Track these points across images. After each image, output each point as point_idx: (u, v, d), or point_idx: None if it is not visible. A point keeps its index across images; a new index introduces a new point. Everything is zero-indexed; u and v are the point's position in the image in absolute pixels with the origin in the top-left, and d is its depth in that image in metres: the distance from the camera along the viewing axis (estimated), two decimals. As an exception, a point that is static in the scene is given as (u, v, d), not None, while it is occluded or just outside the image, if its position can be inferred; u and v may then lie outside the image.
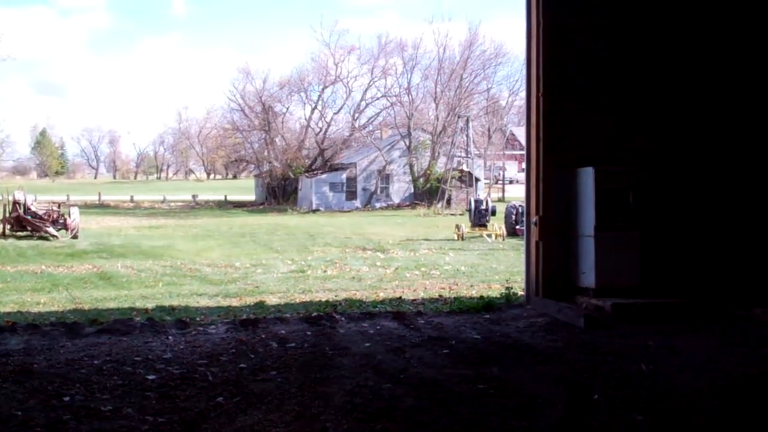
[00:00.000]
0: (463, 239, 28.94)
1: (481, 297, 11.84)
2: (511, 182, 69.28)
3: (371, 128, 64.50)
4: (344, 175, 57.94)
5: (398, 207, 57.48)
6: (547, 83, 11.14)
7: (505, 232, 29.59)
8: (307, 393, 6.87)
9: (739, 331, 9.53)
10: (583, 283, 11.12)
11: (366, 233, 32.64)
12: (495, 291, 13.64)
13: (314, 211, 55.19)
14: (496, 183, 65.78)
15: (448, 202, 54.73)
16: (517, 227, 31.25)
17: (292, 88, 65.17)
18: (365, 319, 10.43)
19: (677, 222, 11.41)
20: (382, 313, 10.84)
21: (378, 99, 64.58)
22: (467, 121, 55.64)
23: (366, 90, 65.01)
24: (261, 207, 61.63)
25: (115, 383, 7.13)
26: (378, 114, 64.33)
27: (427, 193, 57.67)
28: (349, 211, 55.25)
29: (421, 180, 58.55)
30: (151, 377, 7.35)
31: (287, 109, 67.60)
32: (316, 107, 64.12)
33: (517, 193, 54.19)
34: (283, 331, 9.57)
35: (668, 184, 11.41)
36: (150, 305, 12.59)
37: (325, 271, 17.47)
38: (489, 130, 66.92)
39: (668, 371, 7.61)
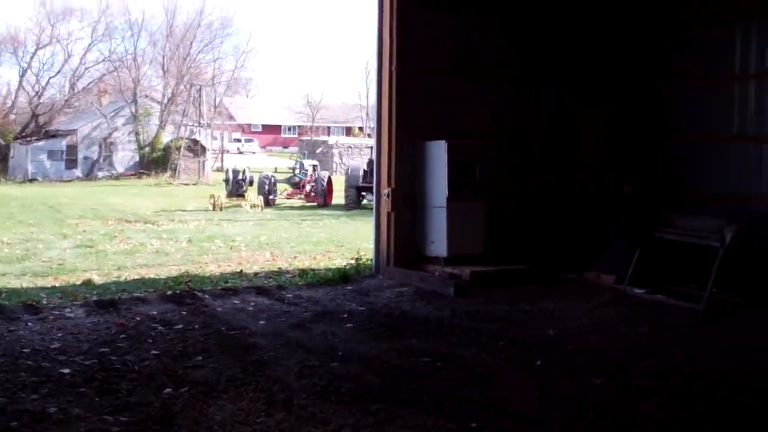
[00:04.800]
0: (221, 210, 28.17)
1: (338, 269, 11.61)
2: (240, 153, 68.62)
3: (93, 95, 60.28)
4: (64, 142, 53.84)
5: (123, 176, 54.52)
6: (400, 56, 11.12)
7: (262, 203, 29.23)
8: (256, 378, 6.35)
9: (586, 293, 10.20)
10: (432, 252, 11.31)
11: (109, 204, 30.63)
12: (323, 262, 13.47)
13: (31, 180, 50.75)
14: (240, 153, 64.85)
15: (175, 170, 52.84)
16: (270, 197, 31.07)
17: (2, 47, 59.19)
18: (229, 295, 9.85)
19: (514, 194, 11.96)
20: (245, 289, 10.31)
21: (100, 63, 60.53)
22: (200, 90, 54.01)
23: (86, 52, 60.75)
24: (-38, 177, 55.50)
25: (30, 381, 6.12)
26: (100, 78, 60.21)
27: (154, 162, 55.31)
28: (70, 181, 51.42)
29: (147, 149, 55.99)
30: (65, 371, 6.39)
31: (-7, 70, 61.39)
32: (29, 69, 58.82)
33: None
34: (154, 312, 8.77)
35: (508, 158, 11.91)
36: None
37: (113, 246, 16.16)
38: (215, 101, 65.55)
39: (573, 335, 7.99)
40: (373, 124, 70.01)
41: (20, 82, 59.29)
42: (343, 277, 10.96)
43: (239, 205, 29.07)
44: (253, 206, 28.94)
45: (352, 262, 12.18)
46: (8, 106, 59.98)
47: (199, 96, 53.29)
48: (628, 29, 12.44)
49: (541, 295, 9.93)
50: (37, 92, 58.80)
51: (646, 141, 12.14)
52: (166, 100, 57.38)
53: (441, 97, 11.42)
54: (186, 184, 46.83)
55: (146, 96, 58.55)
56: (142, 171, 54.70)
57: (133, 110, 55.98)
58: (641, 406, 5.81)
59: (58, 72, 60.54)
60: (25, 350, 6.98)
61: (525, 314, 8.92)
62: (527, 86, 12.19)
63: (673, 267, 10.25)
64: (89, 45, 60.99)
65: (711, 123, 11.31)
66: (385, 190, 11.29)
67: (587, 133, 12.38)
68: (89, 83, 60.99)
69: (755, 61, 10.70)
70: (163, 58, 59.73)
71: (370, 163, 30.24)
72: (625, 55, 12.43)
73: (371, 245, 12.91)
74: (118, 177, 54.12)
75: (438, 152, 11.15)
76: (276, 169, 33.77)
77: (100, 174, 54.77)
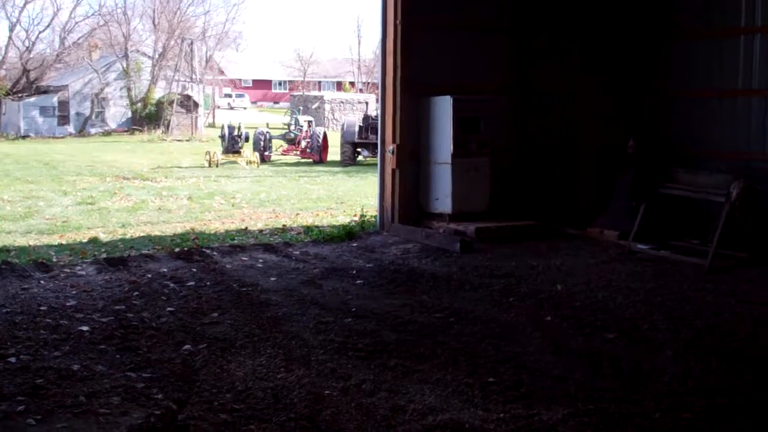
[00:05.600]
0: (217, 166, 28.08)
1: (343, 226, 11.65)
2: (231, 108, 68.21)
3: (84, 50, 59.56)
4: (56, 99, 53.35)
5: (115, 132, 54.12)
6: (405, 10, 11.03)
7: (258, 159, 29.12)
8: (273, 334, 6.42)
9: (591, 249, 10.28)
10: (437, 209, 11.34)
11: (105, 161, 30.48)
12: (326, 219, 13.51)
13: (24, 137, 50.34)
14: (231, 109, 64.30)
15: (168, 126, 52.46)
16: (266, 153, 30.94)
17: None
18: (237, 252, 9.89)
19: (517, 151, 11.96)
20: (252, 246, 10.35)
21: (89, 17, 59.77)
22: (191, 44, 53.42)
23: (75, 6, 60.08)
24: (-46, 133, 55.02)
25: (51, 338, 6.16)
26: (90, 33, 59.45)
27: (146, 118, 54.91)
28: (62, 137, 51.01)
29: (140, 105, 55.55)
30: (84, 328, 6.43)
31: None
32: (18, 23, 58.04)
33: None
34: (164, 269, 8.81)
35: (512, 114, 11.88)
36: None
37: (114, 203, 16.16)
38: (206, 55, 64.89)
39: (581, 290, 8.06)
40: (365, 78, 69.48)
41: (10, 37, 58.49)
42: (348, 233, 11.00)
43: (235, 162, 29.00)
44: (249, 163, 28.83)
45: (356, 218, 12.21)
46: (1, 60, 59.28)
47: (191, 50, 52.72)
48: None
49: (547, 251, 10.00)
50: (27, 47, 58.04)
51: (651, 97, 12.10)
52: (157, 55, 56.82)
53: (445, 52, 11.36)
54: (179, 141, 46.51)
55: (137, 51, 58.00)
56: (134, 127, 54.35)
57: (124, 65, 55.43)
58: (655, 360, 5.90)
59: (48, 26, 59.81)
60: (42, 308, 7.02)
61: (532, 270, 8.97)
62: (530, 41, 12.11)
63: (676, 223, 10.33)
64: (78, -1, 60.19)
65: (715, 78, 11.27)
66: (390, 147, 11.27)
67: (590, 89, 12.31)
68: (79, 38, 60.21)
69: (761, 14, 10.61)
70: (154, 11, 59.03)
71: (365, 118, 30.18)
72: (628, 9, 12.34)
73: (372, 202, 12.99)
74: (110, 133, 53.75)
75: (443, 108, 11.11)
76: (267, 124, 33.52)
77: (93, 130, 54.39)
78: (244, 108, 73.75)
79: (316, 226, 12.18)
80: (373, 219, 11.89)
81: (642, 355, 6.03)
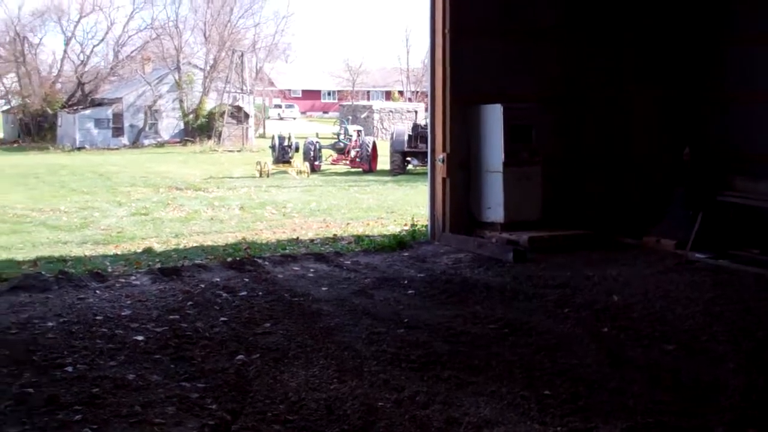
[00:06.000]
0: (268, 176, 28.29)
1: (393, 235, 11.61)
2: (281, 119, 68.88)
3: (137, 62, 60.58)
4: (110, 111, 54.34)
5: (168, 144, 54.94)
6: (454, 18, 10.97)
7: (308, 169, 29.25)
8: (325, 345, 6.40)
9: (647, 258, 10.08)
10: (489, 218, 11.23)
11: (158, 172, 30.92)
12: (376, 228, 13.49)
13: (79, 149, 51.34)
14: (281, 119, 64.95)
15: (219, 137, 53.08)
16: (316, 163, 31.06)
17: (47, 17, 59.71)
18: (289, 262, 9.91)
19: (569, 159, 11.80)
20: (303, 256, 10.36)
21: (142, 30, 60.83)
22: (242, 56, 54.05)
23: (128, 20, 61.06)
24: (15, 145, 56.29)
25: (107, 348, 6.23)
26: (143, 46, 60.53)
27: (198, 129, 55.65)
28: (117, 149, 51.90)
29: (192, 116, 56.31)
30: (139, 338, 6.49)
31: (40, 40, 62.03)
32: (73, 37, 59.33)
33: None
34: (217, 279, 8.86)
35: (563, 122, 11.74)
36: (18, 257, 11.10)
37: (168, 214, 16.36)
38: (256, 67, 65.60)
39: (638, 301, 7.90)
40: (413, 87, 69.39)
41: (65, 51, 59.88)
42: (399, 243, 10.96)
43: (286, 172, 29.16)
44: (299, 172, 28.98)
45: (407, 228, 12.17)
46: (54, 75, 60.60)
47: (241, 62, 53.33)
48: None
49: (602, 261, 9.84)
50: (82, 61, 59.31)
51: (706, 103, 11.87)
52: (208, 67, 57.55)
53: (494, 60, 11.27)
54: (230, 151, 47.02)
55: (189, 63, 58.79)
56: (186, 138, 55.08)
57: (177, 77, 56.25)
58: (716, 372, 5.75)
59: (102, 40, 61.00)
60: (98, 317, 7.11)
61: (587, 280, 8.82)
62: (581, 48, 11.93)
63: (735, 231, 10.09)
64: (131, 12, 61.74)
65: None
66: (440, 156, 11.21)
67: (643, 96, 12.13)
68: (132, 51, 61.37)
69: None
70: (205, 24, 59.81)
71: (414, 127, 30.14)
72: (682, 15, 12.14)
73: (423, 211, 12.93)
74: (163, 144, 54.57)
75: (493, 116, 11.02)
76: (317, 134, 33.67)
77: (146, 142, 55.27)
78: (294, 118, 74.30)
79: (367, 236, 12.17)
80: (423, 228, 11.83)
81: (702, 367, 5.87)
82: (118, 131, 54.91)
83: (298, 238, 12.35)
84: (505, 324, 7.02)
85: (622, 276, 9.00)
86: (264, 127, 61.11)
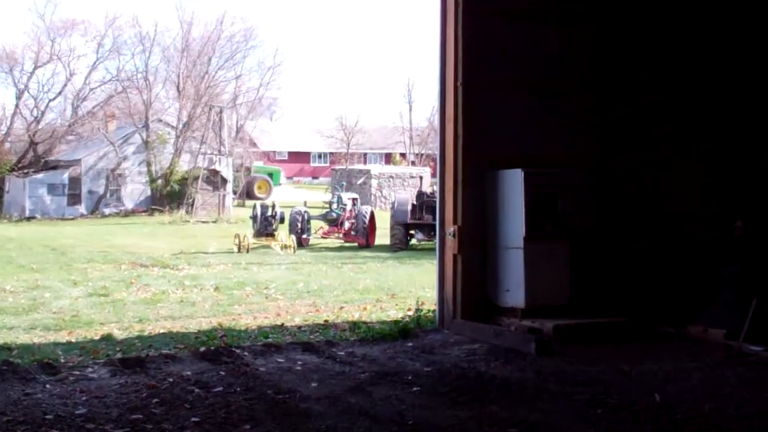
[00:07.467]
0: (248, 251, 28.39)
1: (395, 322, 11.60)
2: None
3: (99, 120, 61.29)
4: (66, 175, 54.83)
5: (132, 213, 55.30)
6: (467, 71, 11.14)
7: (295, 243, 29.36)
8: (317, 451, 6.32)
9: (693, 350, 10.08)
10: (507, 303, 11.23)
11: (120, 246, 31.10)
12: (374, 313, 13.50)
13: (29, 218, 51.62)
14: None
15: (192, 206, 53.36)
16: (303, 236, 31.20)
17: (-4, 66, 60.60)
18: (272, 352, 9.91)
19: (601, 234, 11.84)
20: (289, 345, 10.36)
21: (106, 83, 61.68)
22: (220, 112, 54.74)
23: (90, 71, 61.93)
24: (-50, 215, 56.62)
25: (58, 453, 6.14)
26: (106, 101, 61.30)
27: (168, 196, 56.07)
28: (73, 219, 52.20)
29: (161, 182, 56.81)
30: (98, 442, 6.41)
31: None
32: (26, 90, 60.11)
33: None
34: (188, 372, 8.83)
35: (594, 191, 11.82)
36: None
37: (131, 295, 16.42)
38: (237, 124, 66.42)
39: (683, 400, 7.85)
40: (418, 149, 70.19)
41: (17, 106, 60.49)
42: (401, 331, 10.93)
43: (268, 246, 29.34)
44: (284, 247, 29.14)
45: (410, 313, 12.18)
46: (3, 133, 61.19)
47: (219, 120, 53.92)
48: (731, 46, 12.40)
49: (640, 353, 9.84)
50: (35, 117, 59.93)
51: (758, 170, 11.98)
52: (181, 125, 58.20)
53: (514, 117, 11.40)
54: (205, 222, 47.36)
55: (159, 120, 59.55)
56: (154, 207, 55.48)
57: (145, 137, 56.88)
58: (778, 487, 5.66)
59: (59, 93, 61.72)
60: (47, 417, 7.06)
61: (623, 376, 8.80)
62: (612, 105, 12.09)
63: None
64: (94, 62, 62.12)
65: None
66: (450, 229, 11.26)
67: (686, 160, 12.26)
68: (94, 106, 61.99)
69: None
70: (178, 76, 60.65)
71: (419, 195, 30.39)
72: (727, 73, 12.36)
73: (429, 294, 12.94)
74: (127, 214, 54.89)
75: (513, 183, 11.11)
76: (305, 203, 33.87)
77: (107, 211, 55.61)
78: (279, 184, 74.92)
79: (364, 322, 12.17)
80: (431, 314, 11.83)
81: (762, 480, 5.80)
82: (74, 198, 55.30)
83: (282, 324, 12.40)
84: (527, 428, 6.97)
85: (663, 371, 8.99)
86: (244, 195, 61.51)
